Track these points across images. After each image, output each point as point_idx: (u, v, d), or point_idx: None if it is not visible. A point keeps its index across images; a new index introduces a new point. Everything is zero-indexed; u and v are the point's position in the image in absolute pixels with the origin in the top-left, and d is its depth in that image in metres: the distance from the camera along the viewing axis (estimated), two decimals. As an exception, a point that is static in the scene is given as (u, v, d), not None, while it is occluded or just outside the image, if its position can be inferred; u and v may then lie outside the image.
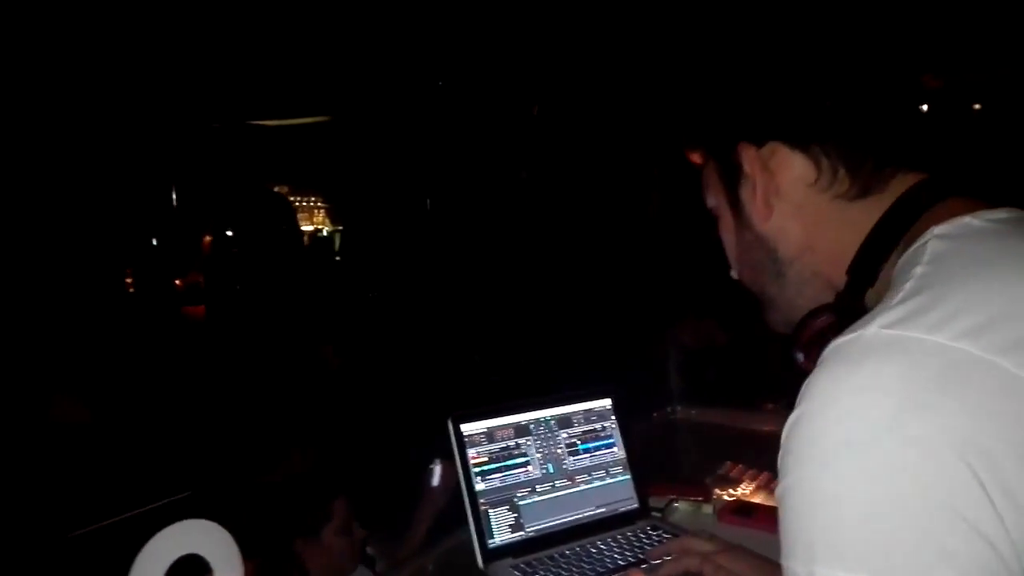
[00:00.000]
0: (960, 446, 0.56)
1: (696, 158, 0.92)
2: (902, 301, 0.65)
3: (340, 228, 6.42)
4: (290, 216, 5.64)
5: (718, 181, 0.88)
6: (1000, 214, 0.73)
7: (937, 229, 0.71)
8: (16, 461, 1.89)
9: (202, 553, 1.18)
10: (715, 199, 0.90)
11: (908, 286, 0.66)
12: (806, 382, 0.65)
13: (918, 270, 0.68)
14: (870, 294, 0.78)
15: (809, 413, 0.63)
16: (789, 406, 0.70)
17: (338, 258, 5.77)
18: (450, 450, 1.42)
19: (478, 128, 4.39)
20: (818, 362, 0.65)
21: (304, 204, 7.09)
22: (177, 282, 6.19)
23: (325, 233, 6.73)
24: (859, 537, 0.57)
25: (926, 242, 0.71)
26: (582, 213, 4.12)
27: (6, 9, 3.42)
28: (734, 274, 0.92)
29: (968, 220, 0.72)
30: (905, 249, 0.74)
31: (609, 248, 3.79)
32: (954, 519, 0.55)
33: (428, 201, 4.25)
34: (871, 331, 0.63)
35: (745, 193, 0.84)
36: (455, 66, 4.36)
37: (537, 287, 3.59)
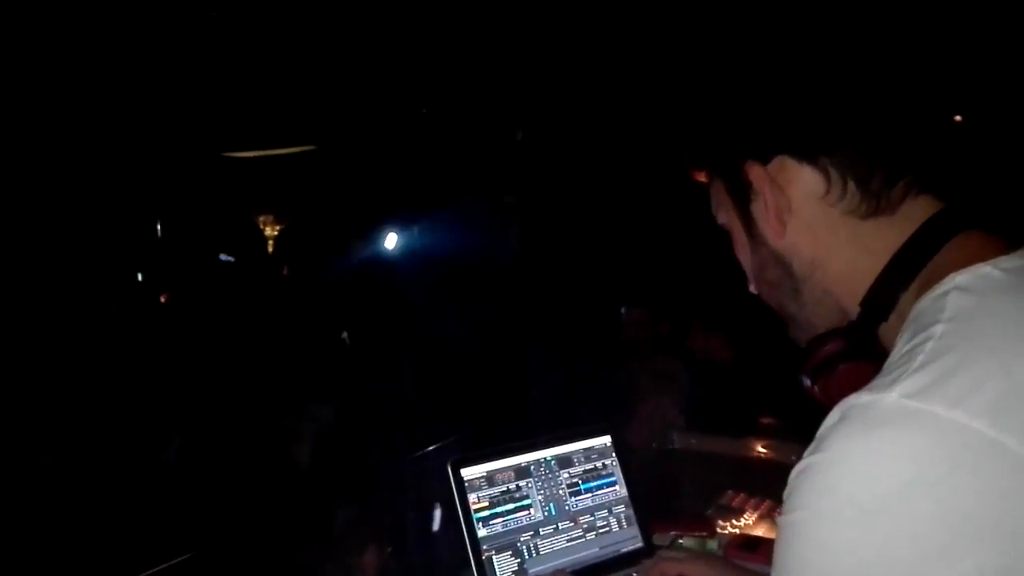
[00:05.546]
0: (962, 525, 0.58)
1: (701, 177, 0.91)
2: (923, 366, 0.64)
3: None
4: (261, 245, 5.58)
5: (728, 199, 0.87)
6: (1017, 260, 0.72)
7: (958, 279, 0.71)
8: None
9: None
10: (726, 217, 0.89)
11: (929, 347, 0.66)
12: (821, 431, 0.66)
13: (939, 328, 0.67)
14: (883, 327, 0.78)
15: (821, 464, 0.64)
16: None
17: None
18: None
19: (463, 155, 4.39)
20: (838, 414, 0.66)
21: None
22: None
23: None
24: None
25: (947, 292, 0.70)
26: (575, 235, 4.12)
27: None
28: (752, 289, 0.91)
29: (988, 270, 0.71)
30: (922, 288, 0.73)
31: (603, 267, 3.79)
32: None
33: (416, 229, 4.24)
34: (892, 398, 0.63)
35: (757, 210, 0.83)
36: (439, 92, 4.36)
37: (523, 310, 3.57)
